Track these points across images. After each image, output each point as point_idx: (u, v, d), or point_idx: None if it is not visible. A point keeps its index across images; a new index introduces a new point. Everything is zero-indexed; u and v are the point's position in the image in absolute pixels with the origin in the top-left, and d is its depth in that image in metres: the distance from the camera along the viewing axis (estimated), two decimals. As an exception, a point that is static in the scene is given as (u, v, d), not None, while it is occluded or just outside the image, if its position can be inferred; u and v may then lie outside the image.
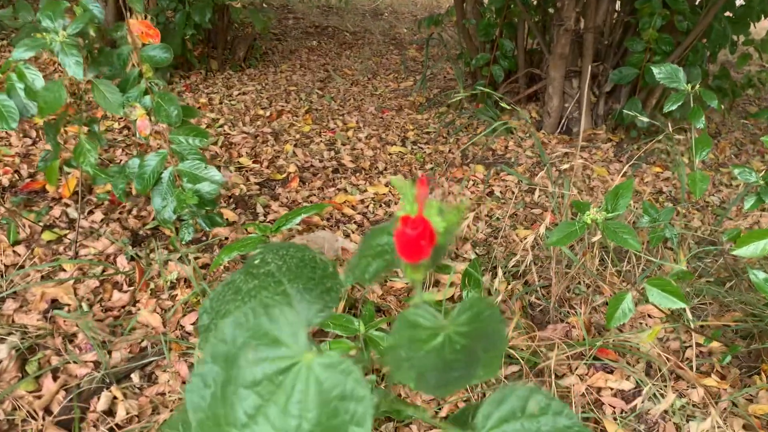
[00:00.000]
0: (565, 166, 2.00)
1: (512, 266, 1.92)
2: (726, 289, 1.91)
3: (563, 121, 3.39)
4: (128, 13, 1.77)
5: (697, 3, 3.18)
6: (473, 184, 2.69)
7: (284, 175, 2.57)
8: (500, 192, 2.62)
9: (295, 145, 2.91)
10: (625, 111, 3.10)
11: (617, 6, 3.40)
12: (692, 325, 1.59)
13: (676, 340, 1.74)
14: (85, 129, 1.74)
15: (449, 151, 3.05)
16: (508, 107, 2.50)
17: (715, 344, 1.70)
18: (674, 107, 1.61)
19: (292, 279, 0.68)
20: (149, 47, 1.66)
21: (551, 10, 3.43)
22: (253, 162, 2.67)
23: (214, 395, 0.51)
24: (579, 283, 1.91)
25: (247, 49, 4.23)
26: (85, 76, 1.62)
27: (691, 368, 1.61)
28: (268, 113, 3.32)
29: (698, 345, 1.71)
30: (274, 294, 0.69)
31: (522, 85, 3.63)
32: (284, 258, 0.71)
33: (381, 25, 5.88)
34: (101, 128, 1.98)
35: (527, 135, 3.32)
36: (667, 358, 1.61)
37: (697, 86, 1.60)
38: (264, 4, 5.12)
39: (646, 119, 1.96)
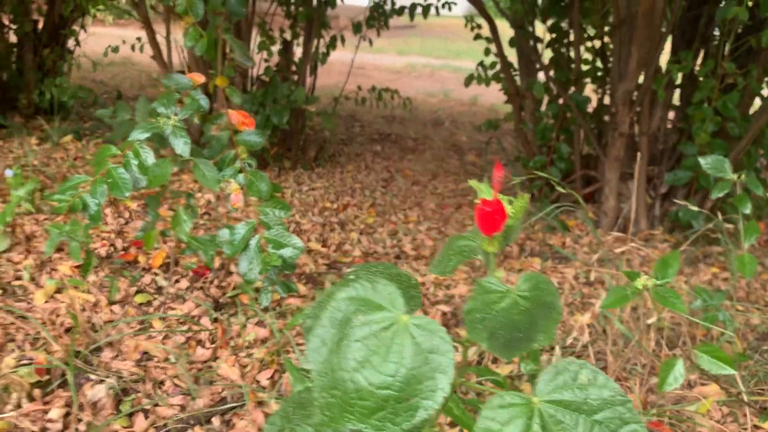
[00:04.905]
0: (620, 249, 2.11)
1: (569, 345, 1.99)
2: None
3: (620, 221, 3.49)
4: (227, 104, 2.03)
5: (750, 112, 3.32)
6: (530, 275, 2.79)
7: (350, 259, 2.74)
8: (558, 282, 2.72)
9: (360, 234, 3.09)
10: (680, 212, 3.20)
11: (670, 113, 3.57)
12: (746, 398, 1.62)
13: (734, 423, 1.76)
14: (183, 202, 1.96)
15: (507, 244, 3.18)
16: (567, 205, 2.64)
17: (773, 427, 1.72)
18: (721, 194, 1.72)
19: (383, 288, 0.82)
20: (245, 132, 1.90)
21: (606, 117, 3.62)
22: (322, 246, 2.85)
23: (331, 350, 0.65)
24: (635, 364, 1.97)
25: (318, 150, 4.56)
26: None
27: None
28: (335, 206, 3.55)
29: (758, 428, 1.73)
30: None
31: (579, 186, 3.77)
32: (375, 274, 0.85)
33: (441, 133, 6.20)
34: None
35: (584, 233, 3.43)
36: (724, 436, 1.63)
37: (743, 175, 1.72)
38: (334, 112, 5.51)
39: (697, 211, 2.07)
